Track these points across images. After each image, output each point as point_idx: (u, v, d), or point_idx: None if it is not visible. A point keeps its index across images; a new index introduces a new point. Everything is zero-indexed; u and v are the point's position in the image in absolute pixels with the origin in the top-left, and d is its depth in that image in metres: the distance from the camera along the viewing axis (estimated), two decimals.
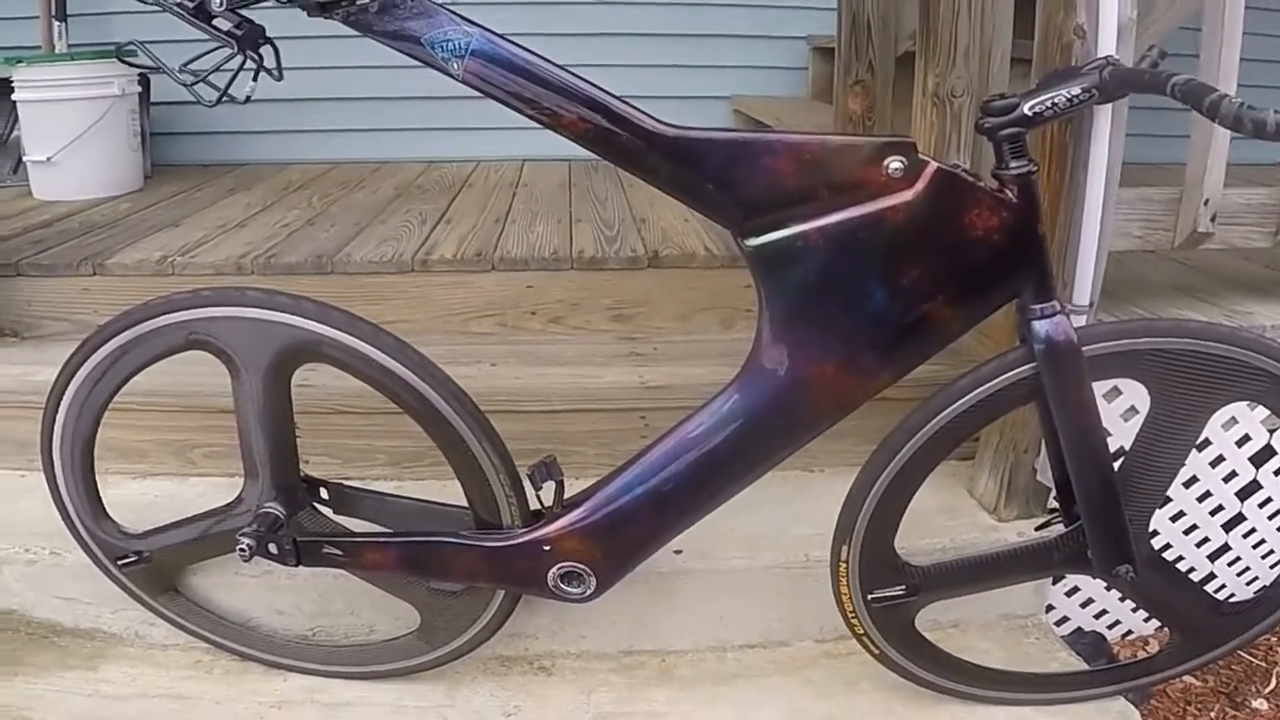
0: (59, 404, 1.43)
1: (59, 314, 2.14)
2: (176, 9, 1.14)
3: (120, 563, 1.53)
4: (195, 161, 3.59)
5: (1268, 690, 1.81)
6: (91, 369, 1.38)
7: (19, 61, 2.93)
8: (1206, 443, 1.77)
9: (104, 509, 1.51)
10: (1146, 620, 1.88)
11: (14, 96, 2.95)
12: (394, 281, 2.13)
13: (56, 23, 3.33)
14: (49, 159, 2.88)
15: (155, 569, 1.54)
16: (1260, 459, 1.81)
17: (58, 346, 2.04)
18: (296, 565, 1.42)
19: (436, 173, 3.42)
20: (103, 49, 3.13)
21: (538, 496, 1.39)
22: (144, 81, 3.11)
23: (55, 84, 2.89)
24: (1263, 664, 1.86)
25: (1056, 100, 1.17)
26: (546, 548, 1.37)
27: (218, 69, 1.19)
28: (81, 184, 2.93)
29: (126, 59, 1.29)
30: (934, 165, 1.17)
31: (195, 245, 2.26)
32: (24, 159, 2.98)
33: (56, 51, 3.31)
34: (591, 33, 3.62)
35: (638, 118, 1.16)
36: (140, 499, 1.79)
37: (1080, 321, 1.50)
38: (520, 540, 1.37)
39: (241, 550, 1.39)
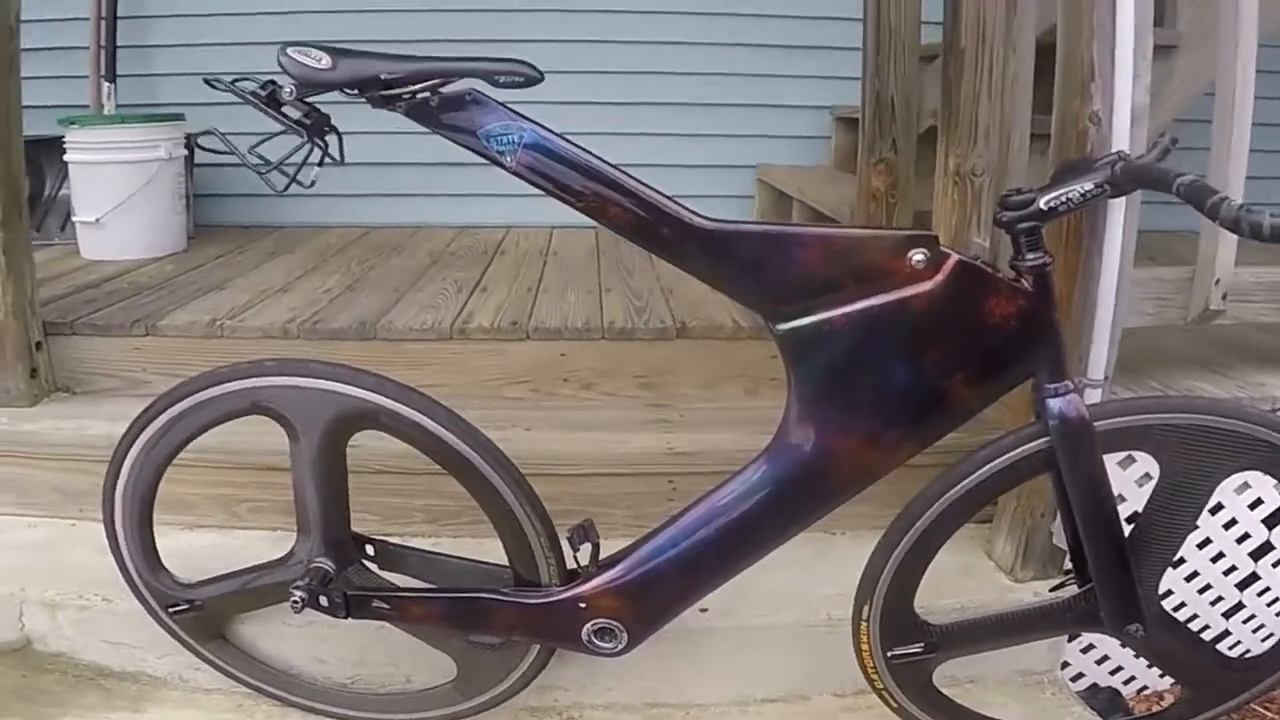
0: (124, 459, 1.48)
1: (111, 371, 2.22)
2: (250, 98, 1.22)
3: (172, 610, 1.58)
4: (235, 223, 3.67)
5: None
6: (158, 428, 1.45)
7: (72, 123, 3.02)
8: (1219, 507, 1.83)
9: (160, 560, 1.57)
10: (1161, 676, 1.92)
11: (66, 157, 3.03)
12: (433, 348, 2.19)
13: (106, 84, 3.44)
14: (98, 220, 2.96)
15: (205, 617, 1.59)
16: (1274, 521, 1.86)
17: (110, 402, 2.14)
18: (346, 617, 1.48)
19: (469, 238, 3.50)
20: (153, 112, 3.23)
21: (574, 556, 1.45)
22: (189, 144, 3.20)
23: (106, 146, 2.98)
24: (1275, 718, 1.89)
25: (1070, 196, 1.24)
26: (583, 605, 1.43)
27: (289, 157, 1.26)
28: (128, 245, 3.01)
29: (203, 145, 1.36)
30: (954, 257, 1.24)
31: (242, 309, 2.34)
32: (73, 218, 3.06)
33: (105, 112, 3.40)
34: (618, 101, 3.71)
35: (676, 211, 1.24)
36: (188, 549, 1.85)
37: (1095, 394, 1.56)
38: (558, 598, 1.44)
39: (294, 602, 1.45)
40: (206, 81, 1.29)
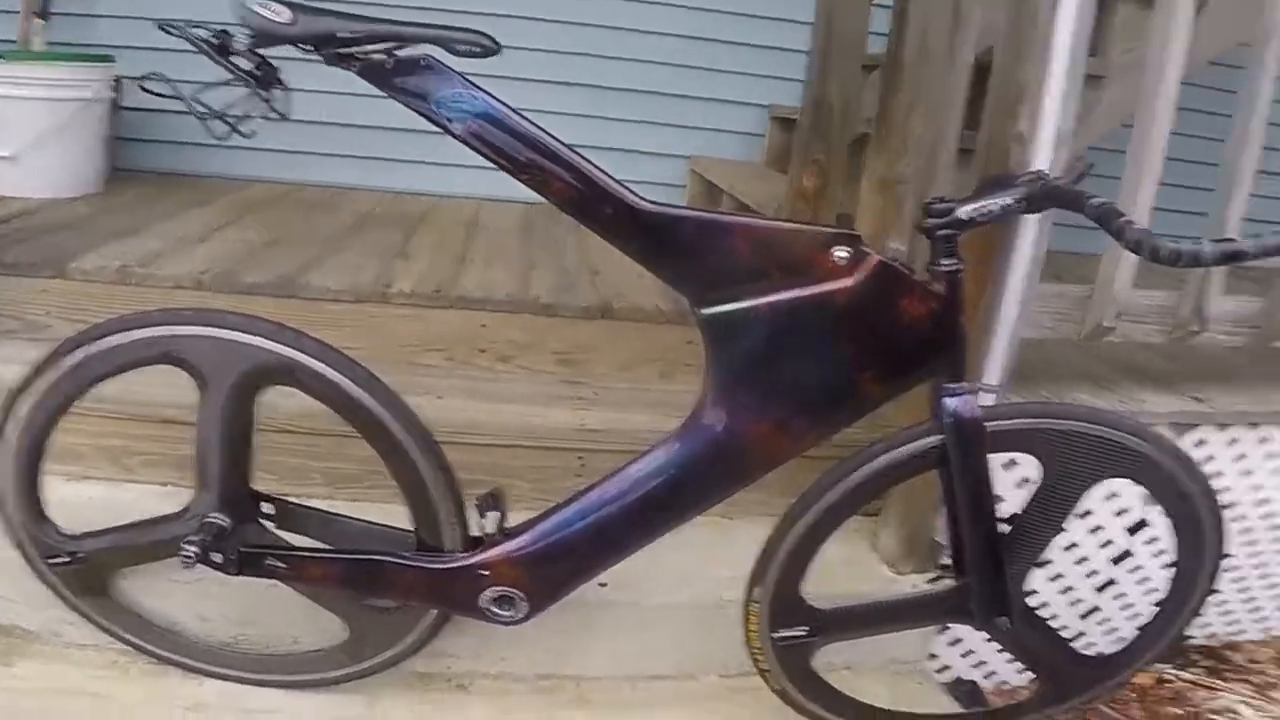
0: (15, 401, 1.41)
1: (11, 313, 2.13)
2: (202, 45, 1.20)
3: (52, 562, 1.51)
4: (157, 169, 3.59)
5: None
6: (62, 372, 1.38)
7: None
8: (1088, 512, 1.93)
9: (42, 509, 1.49)
10: (1020, 672, 2.00)
11: None
12: (352, 309, 2.17)
13: (37, 20, 3.34)
14: (13, 155, 2.89)
15: (87, 571, 1.53)
16: (1135, 529, 1.98)
17: (6, 344, 2.03)
18: (238, 574, 1.45)
19: (398, 204, 3.47)
20: (82, 52, 3.15)
21: (480, 523, 1.45)
22: (116, 86, 3.13)
23: (29, 82, 2.92)
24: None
25: (990, 208, 1.28)
26: (485, 572, 1.43)
27: (232, 107, 1.24)
28: (43, 182, 2.94)
29: (147, 88, 1.32)
30: (875, 258, 1.28)
31: (154, 256, 2.27)
32: None
33: (34, 49, 3.31)
34: (555, 80, 3.71)
35: (619, 191, 1.25)
36: (73, 500, 1.74)
37: (990, 399, 1.62)
38: (461, 564, 1.44)
39: (185, 557, 1.40)
40: (161, 26, 1.24)
